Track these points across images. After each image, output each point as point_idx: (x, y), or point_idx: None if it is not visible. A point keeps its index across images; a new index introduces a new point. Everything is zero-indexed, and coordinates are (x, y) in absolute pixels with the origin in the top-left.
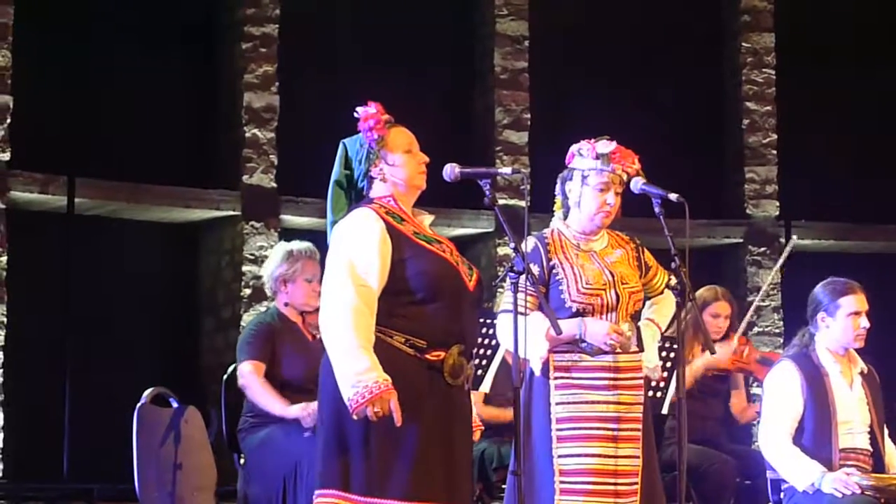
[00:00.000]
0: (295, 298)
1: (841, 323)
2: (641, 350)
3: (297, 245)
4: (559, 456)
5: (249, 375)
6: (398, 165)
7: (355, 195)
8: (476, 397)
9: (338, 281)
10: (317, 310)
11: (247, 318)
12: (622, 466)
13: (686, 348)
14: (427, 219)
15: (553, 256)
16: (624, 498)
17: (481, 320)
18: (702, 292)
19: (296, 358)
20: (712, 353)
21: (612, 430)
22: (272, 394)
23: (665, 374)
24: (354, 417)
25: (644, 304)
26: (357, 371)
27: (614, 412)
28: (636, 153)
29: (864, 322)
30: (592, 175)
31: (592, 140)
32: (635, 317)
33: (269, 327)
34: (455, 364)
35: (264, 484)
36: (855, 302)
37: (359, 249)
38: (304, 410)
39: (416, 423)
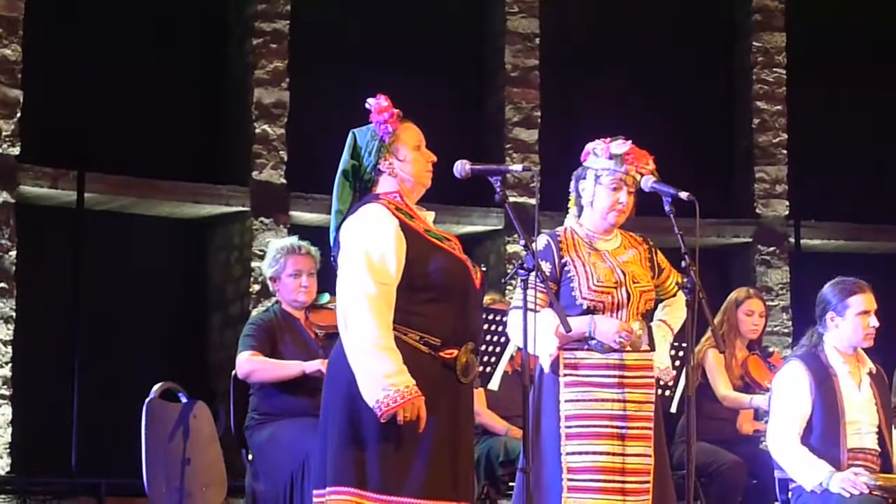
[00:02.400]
0: (283, 295)
1: (850, 322)
2: (653, 350)
3: (281, 242)
4: (567, 453)
5: (248, 361)
6: (408, 161)
7: (361, 186)
8: (478, 398)
9: (357, 278)
10: (315, 306)
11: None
12: (630, 465)
13: (728, 348)
14: (429, 216)
15: (565, 254)
16: (632, 496)
17: (489, 317)
18: (733, 294)
19: (296, 356)
20: (721, 351)
21: (620, 428)
22: (279, 361)
23: (674, 372)
24: (382, 420)
25: (657, 306)
26: (386, 373)
27: (622, 410)
28: (646, 151)
29: (874, 321)
30: (605, 175)
31: (608, 139)
32: (647, 316)
33: (269, 324)
34: (467, 362)
35: (272, 480)
36: (864, 301)
37: (375, 245)
38: (323, 364)
39: (432, 422)
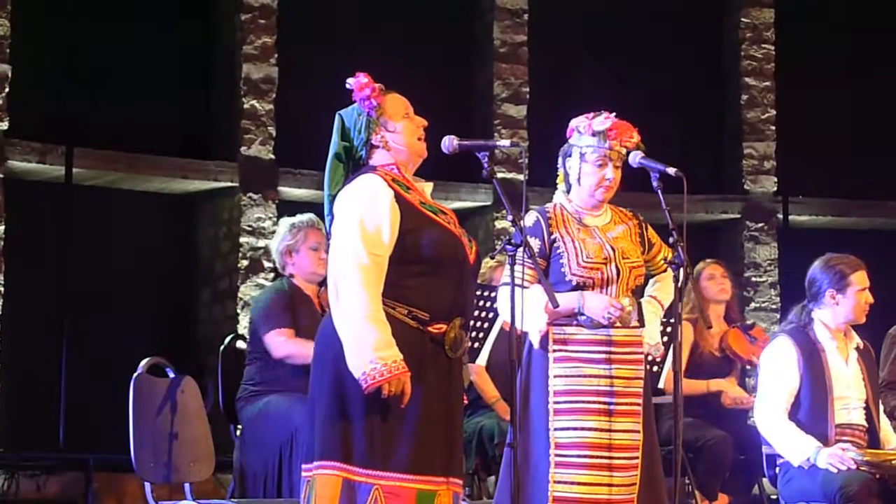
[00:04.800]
0: (301, 268)
1: (852, 300)
2: (642, 326)
3: (300, 217)
4: (555, 429)
5: (285, 344)
6: (399, 132)
7: (353, 166)
8: (477, 368)
9: (350, 247)
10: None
11: (244, 290)
12: (617, 440)
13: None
14: (427, 187)
15: (554, 230)
16: (619, 471)
17: (477, 293)
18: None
19: (310, 329)
20: (708, 327)
21: (608, 403)
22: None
23: (664, 348)
24: (366, 393)
25: (647, 282)
26: (374, 345)
27: (609, 386)
28: (634, 127)
29: (870, 297)
30: (590, 152)
31: (590, 116)
32: (637, 292)
33: (287, 295)
34: (456, 337)
35: (261, 454)
36: (864, 278)
37: (369, 216)
38: None
39: (419, 397)
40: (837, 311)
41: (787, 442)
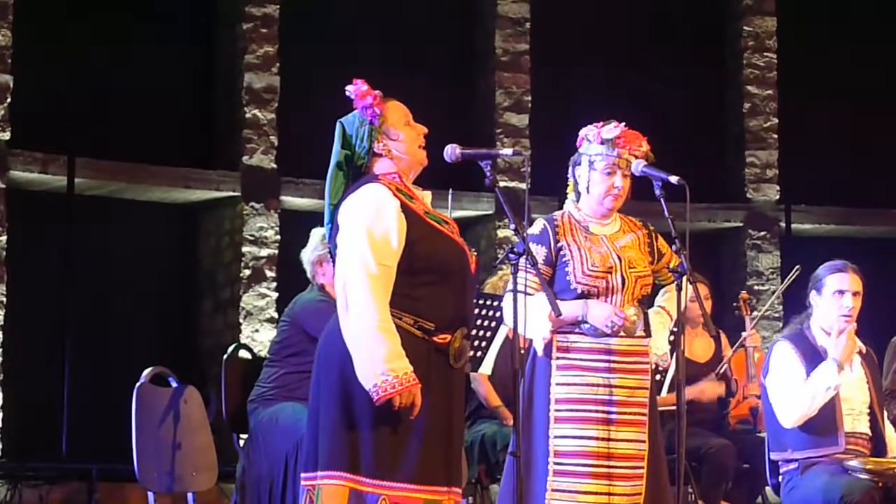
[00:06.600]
0: (331, 278)
1: (826, 301)
2: (649, 336)
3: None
4: (555, 437)
5: None
6: (401, 140)
7: (354, 174)
8: (480, 377)
9: (359, 257)
10: None
11: (246, 300)
12: (617, 450)
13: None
14: (426, 196)
15: (561, 238)
16: (619, 481)
17: (480, 302)
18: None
19: None
20: (712, 334)
21: (608, 412)
22: None
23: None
24: (376, 404)
25: (657, 291)
26: (385, 357)
27: (609, 395)
28: (638, 132)
29: (849, 301)
30: (598, 160)
31: (600, 124)
32: (644, 302)
33: (325, 305)
34: (460, 347)
35: (268, 461)
36: (840, 280)
37: (377, 225)
38: None
39: (425, 407)
40: (818, 313)
41: (812, 391)
